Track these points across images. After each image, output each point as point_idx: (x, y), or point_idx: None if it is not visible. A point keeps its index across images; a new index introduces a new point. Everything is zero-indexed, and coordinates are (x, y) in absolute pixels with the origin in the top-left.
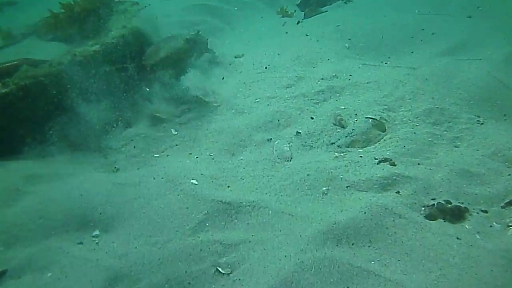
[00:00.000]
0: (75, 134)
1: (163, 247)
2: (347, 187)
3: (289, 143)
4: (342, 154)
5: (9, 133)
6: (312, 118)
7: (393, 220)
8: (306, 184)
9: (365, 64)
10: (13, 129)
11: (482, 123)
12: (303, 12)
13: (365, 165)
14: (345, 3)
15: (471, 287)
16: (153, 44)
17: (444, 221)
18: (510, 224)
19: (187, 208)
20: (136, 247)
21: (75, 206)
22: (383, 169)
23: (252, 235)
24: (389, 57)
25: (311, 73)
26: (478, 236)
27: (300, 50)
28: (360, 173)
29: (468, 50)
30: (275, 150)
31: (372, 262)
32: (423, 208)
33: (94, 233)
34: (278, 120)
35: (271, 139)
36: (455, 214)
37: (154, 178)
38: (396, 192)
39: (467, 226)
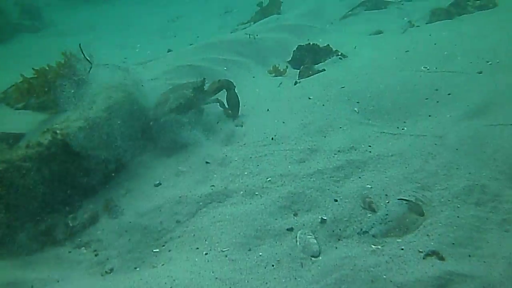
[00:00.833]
0: (61, 228)
1: None
2: None
3: (314, 233)
4: (379, 246)
5: None
6: (336, 201)
7: None
8: None
9: (383, 132)
10: None
11: None
12: (297, 70)
13: (410, 261)
14: (340, 59)
15: None
16: (144, 113)
17: None
18: None
19: None
20: None
21: None
22: (432, 266)
23: None
24: (404, 122)
25: (325, 145)
26: None
27: (306, 117)
28: (406, 272)
29: (493, 113)
30: (299, 243)
31: None
32: None
33: None
34: (297, 204)
35: (292, 228)
36: None
37: None
38: None
39: None
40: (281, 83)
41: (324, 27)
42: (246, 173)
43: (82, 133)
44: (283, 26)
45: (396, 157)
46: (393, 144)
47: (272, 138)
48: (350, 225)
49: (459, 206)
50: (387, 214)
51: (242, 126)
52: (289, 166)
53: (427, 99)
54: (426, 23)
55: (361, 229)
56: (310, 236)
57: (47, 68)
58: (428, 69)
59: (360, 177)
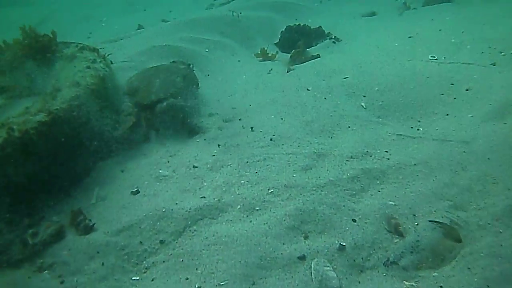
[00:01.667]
0: (19, 246)
1: None
2: None
3: (331, 263)
4: (413, 283)
5: None
6: (355, 221)
7: None
8: None
9: (400, 134)
10: None
11: None
12: (287, 54)
13: None
14: (334, 43)
15: None
16: (116, 106)
17: None
18: None
19: None
20: None
21: None
22: None
23: None
24: (419, 121)
25: (333, 148)
26: None
27: (307, 112)
28: None
29: None
30: (315, 276)
31: None
32: None
33: None
34: (307, 225)
35: (304, 256)
36: None
37: None
38: None
39: None
40: (271, 69)
41: (312, 6)
42: (243, 181)
43: (44, 129)
44: (269, 3)
45: (420, 167)
46: (414, 150)
47: (271, 139)
48: (374, 252)
49: (501, 231)
50: (418, 240)
51: (232, 121)
52: (294, 175)
53: (442, 94)
54: (423, 6)
55: (388, 259)
56: (327, 268)
57: (2, 45)
58: (436, 59)
59: (379, 191)
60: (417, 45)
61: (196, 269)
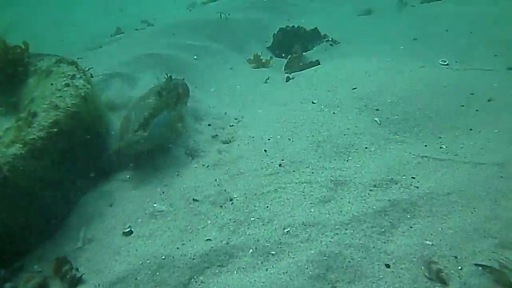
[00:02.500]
0: None
1: None
2: None
3: None
4: None
5: None
6: (389, 266)
7: None
8: None
9: (425, 156)
10: None
11: None
12: (281, 59)
13: None
14: (331, 45)
15: None
16: (102, 132)
17: None
18: None
19: None
20: None
21: None
22: None
23: None
24: (440, 137)
25: (352, 174)
26: None
27: (317, 131)
28: None
29: None
30: None
31: None
32: None
33: None
34: (334, 273)
35: None
36: None
37: None
38: None
39: None
40: (268, 78)
41: (304, 5)
42: (253, 219)
43: (19, 165)
44: (257, 3)
45: (455, 197)
46: (444, 175)
47: (280, 164)
48: None
49: None
50: None
51: (232, 142)
52: (312, 209)
53: (463, 106)
54: (421, 3)
55: None
56: None
57: None
58: (447, 64)
59: (412, 227)
60: (424, 48)
61: None
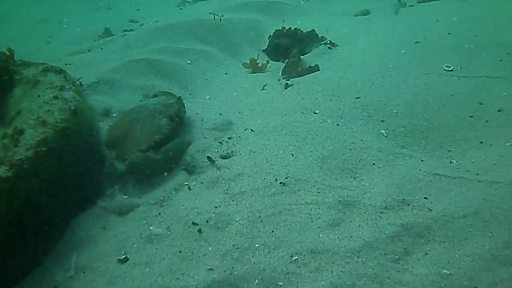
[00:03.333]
0: None
1: None
2: None
3: None
4: None
5: None
6: None
7: None
8: None
9: (436, 174)
10: None
11: None
12: (278, 63)
13: None
14: (330, 48)
15: None
16: (93, 147)
17: None
18: None
19: None
20: None
21: None
22: None
23: None
24: (449, 150)
25: (361, 194)
26: None
27: (321, 145)
28: None
29: None
30: None
31: None
32: None
33: None
34: None
35: None
36: None
37: None
38: None
39: None
40: (265, 85)
41: (299, 5)
42: (257, 245)
43: (6, 188)
44: (251, 3)
45: (471, 220)
46: (458, 195)
47: (283, 183)
48: None
49: None
50: None
51: (230, 157)
52: (320, 234)
53: (472, 116)
54: (419, 2)
55: None
56: None
57: None
58: (451, 69)
59: (427, 254)
60: (427, 52)
61: None
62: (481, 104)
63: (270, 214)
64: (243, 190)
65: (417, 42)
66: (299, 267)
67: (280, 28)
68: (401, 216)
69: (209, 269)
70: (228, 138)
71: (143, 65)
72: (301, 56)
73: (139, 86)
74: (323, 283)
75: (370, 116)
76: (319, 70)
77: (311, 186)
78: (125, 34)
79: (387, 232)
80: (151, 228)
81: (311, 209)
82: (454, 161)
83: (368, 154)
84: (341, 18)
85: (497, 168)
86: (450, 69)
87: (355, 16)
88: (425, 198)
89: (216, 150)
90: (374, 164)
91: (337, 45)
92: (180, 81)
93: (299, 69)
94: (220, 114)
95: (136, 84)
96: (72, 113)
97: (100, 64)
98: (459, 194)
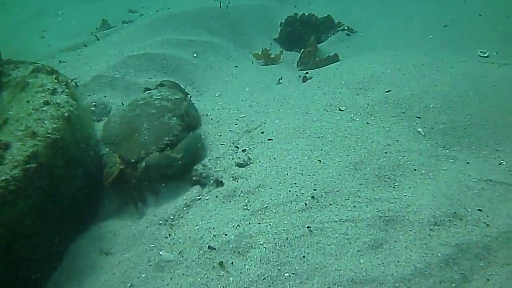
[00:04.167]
0: None
1: None
2: None
3: None
4: None
5: None
6: None
7: None
8: None
9: (489, 180)
10: None
11: None
12: (292, 53)
13: None
14: (348, 35)
15: None
16: (90, 159)
17: None
18: None
19: None
20: None
21: None
22: None
23: None
24: (496, 150)
25: (404, 208)
26: None
27: (352, 149)
28: None
29: None
30: None
31: None
32: None
33: None
34: None
35: None
36: None
37: None
38: None
39: None
40: (281, 78)
41: None
42: (287, 274)
43: None
44: None
45: None
46: None
47: (313, 196)
48: None
49: None
50: None
51: (248, 165)
52: (361, 259)
53: None
54: None
55: None
56: None
57: None
58: (487, 55)
59: (489, 280)
60: (457, 36)
61: None
62: None
63: (300, 235)
64: (265, 205)
65: (445, 26)
66: None
67: (293, 15)
68: (454, 233)
69: None
70: (246, 143)
71: (145, 60)
72: (318, 45)
73: (141, 84)
74: None
75: (403, 112)
76: (339, 60)
77: (345, 199)
78: (124, 26)
79: (440, 254)
80: (160, 253)
81: (348, 228)
82: (504, 163)
83: (407, 158)
84: (358, 0)
85: None
86: (485, 55)
87: None
88: (479, 210)
89: (231, 157)
90: (415, 170)
91: (356, 31)
92: (186, 76)
93: (317, 59)
94: (232, 113)
95: (138, 82)
96: (65, 120)
97: (97, 61)
98: None
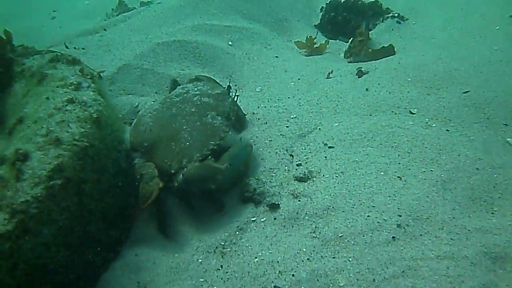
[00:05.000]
0: None
1: None
2: None
3: None
4: None
5: None
6: None
7: None
8: None
9: None
10: None
11: None
12: (335, 41)
13: None
14: (398, 22)
15: None
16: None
17: None
18: None
19: None
20: None
21: None
22: None
23: None
24: None
25: (510, 241)
26: None
27: (435, 162)
28: None
29: None
30: None
31: None
32: None
33: None
34: None
35: None
36: None
37: None
38: None
39: None
40: (331, 72)
41: None
42: None
43: (6, 248)
44: None
45: None
46: None
47: (399, 224)
48: None
49: None
50: None
51: (310, 179)
52: None
53: None
54: None
55: None
56: None
57: None
58: None
59: None
60: None
61: None
62: None
63: (390, 276)
64: (339, 234)
65: (511, 16)
66: None
67: None
68: None
69: None
70: (301, 151)
71: (175, 48)
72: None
73: (173, 74)
74: None
75: (488, 118)
76: (394, 52)
77: (439, 229)
78: (147, 9)
79: None
80: None
81: (448, 268)
82: None
83: (503, 175)
84: None
85: None
86: None
87: None
88: None
89: (286, 168)
90: None
91: (407, 19)
92: (222, 68)
93: (370, 50)
94: (281, 113)
95: (170, 74)
96: (94, 123)
97: (122, 49)
98: None
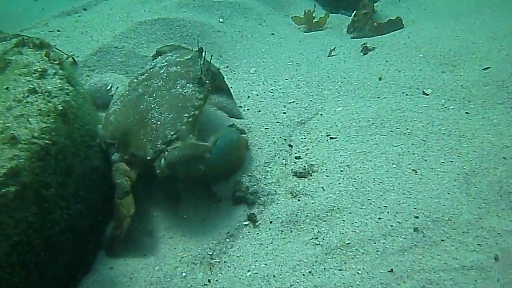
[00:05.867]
0: None
1: None
2: None
3: None
4: None
5: None
6: None
7: None
8: None
9: None
10: None
11: None
12: (336, 15)
13: None
14: None
15: None
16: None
17: None
18: None
19: None
20: None
21: None
22: None
23: None
24: None
25: None
26: None
27: (455, 152)
28: None
29: None
30: None
31: None
32: None
33: None
34: None
35: None
36: None
37: None
38: None
39: None
40: (334, 49)
41: None
42: None
43: None
44: None
45: None
46: None
47: (415, 228)
48: None
49: None
50: None
51: (311, 175)
52: None
53: None
54: None
55: None
56: None
57: None
58: None
59: None
60: None
61: None
62: None
63: None
64: (346, 240)
65: None
66: None
67: None
68: None
69: None
70: (300, 140)
71: (159, 27)
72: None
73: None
74: None
75: (509, 100)
76: (403, 26)
77: (463, 232)
78: None
79: None
80: None
81: (476, 281)
82: None
83: None
84: None
85: None
86: None
87: None
88: None
89: (284, 161)
90: None
91: None
92: (212, 48)
93: (375, 24)
94: (278, 97)
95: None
96: (59, 116)
97: (101, 29)
98: None
